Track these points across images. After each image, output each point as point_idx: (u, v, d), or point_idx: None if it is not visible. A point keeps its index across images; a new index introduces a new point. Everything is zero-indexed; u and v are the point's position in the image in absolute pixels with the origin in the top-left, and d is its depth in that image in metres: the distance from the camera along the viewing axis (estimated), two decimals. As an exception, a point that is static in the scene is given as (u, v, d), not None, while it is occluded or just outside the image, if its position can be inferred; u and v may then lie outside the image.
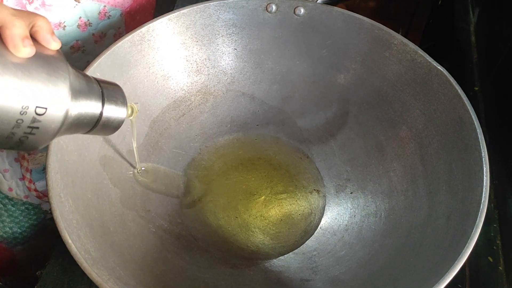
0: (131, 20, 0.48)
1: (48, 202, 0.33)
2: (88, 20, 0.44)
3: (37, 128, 0.25)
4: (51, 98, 0.25)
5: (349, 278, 0.39)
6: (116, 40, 0.42)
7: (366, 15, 0.45)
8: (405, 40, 0.43)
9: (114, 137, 0.42)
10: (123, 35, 0.42)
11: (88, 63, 0.40)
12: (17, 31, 0.24)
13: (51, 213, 0.32)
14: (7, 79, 0.23)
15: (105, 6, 0.44)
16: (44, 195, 0.54)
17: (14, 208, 0.54)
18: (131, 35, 0.43)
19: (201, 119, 0.50)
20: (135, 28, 0.43)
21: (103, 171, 0.40)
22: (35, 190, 0.53)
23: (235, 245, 0.43)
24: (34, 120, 0.25)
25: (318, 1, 0.60)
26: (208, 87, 0.50)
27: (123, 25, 0.46)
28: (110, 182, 0.40)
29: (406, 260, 0.37)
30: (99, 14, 0.45)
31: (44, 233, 0.58)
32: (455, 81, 0.40)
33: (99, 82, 0.29)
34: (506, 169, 0.45)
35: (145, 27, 0.43)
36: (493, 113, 0.50)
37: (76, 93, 0.26)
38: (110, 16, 0.44)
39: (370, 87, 0.46)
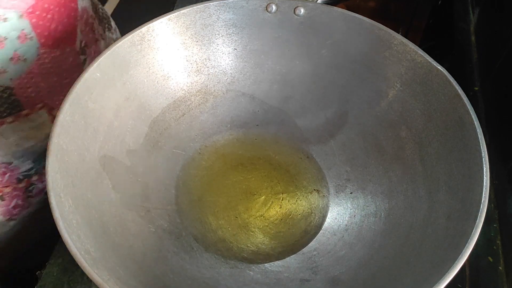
0: (40, 20, 0.44)
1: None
2: None
3: None
4: None
5: (349, 278, 0.39)
6: (25, 41, 0.41)
7: (366, 15, 0.45)
8: (405, 40, 0.43)
9: (114, 137, 0.42)
10: (33, 36, 0.42)
11: None
12: None
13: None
14: None
15: None
16: None
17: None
18: (131, 35, 0.43)
19: (201, 119, 0.50)
20: (52, 26, 0.43)
21: (103, 171, 0.40)
22: None
23: (235, 245, 0.43)
24: None
25: (318, 1, 0.60)
26: (208, 87, 0.50)
27: (29, 26, 0.43)
28: (110, 182, 0.41)
29: (406, 260, 0.37)
30: None
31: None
32: (455, 81, 0.40)
33: None
34: (506, 169, 0.45)
35: (145, 27, 0.44)
36: (493, 113, 0.50)
37: None
38: (7, 19, 0.42)
39: (370, 87, 0.46)
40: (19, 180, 0.49)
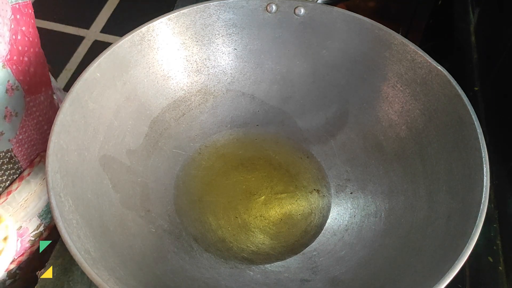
0: (19, 65, 0.39)
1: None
2: None
3: None
4: None
5: (349, 278, 0.39)
6: (12, 93, 0.38)
7: (366, 15, 0.45)
8: (405, 40, 0.43)
9: (114, 137, 0.42)
10: (18, 85, 0.39)
11: None
12: None
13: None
14: None
15: None
16: None
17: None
18: (131, 35, 0.43)
19: (201, 119, 0.50)
20: (31, 70, 0.39)
21: (103, 171, 0.40)
22: None
23: (235, 245, 0.43)
24: None
25: (318, 1, 0.60)
26: (208, 87, 0.50)
27: (12, 75, 0.38)
28: (110, 182, 0.41)
29: (406, 260, 0.37)
30: None
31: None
32: (455, 81, 0.40)
33: None
34: (506, 169, 0.45)
35: (145, 27, 0.44)
36: (493, 113, 0.50)
37: None
38: None
39: (370, 87, 0.46)
40: (32, 242, 0.47)
